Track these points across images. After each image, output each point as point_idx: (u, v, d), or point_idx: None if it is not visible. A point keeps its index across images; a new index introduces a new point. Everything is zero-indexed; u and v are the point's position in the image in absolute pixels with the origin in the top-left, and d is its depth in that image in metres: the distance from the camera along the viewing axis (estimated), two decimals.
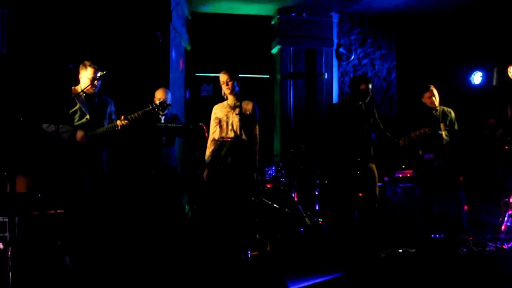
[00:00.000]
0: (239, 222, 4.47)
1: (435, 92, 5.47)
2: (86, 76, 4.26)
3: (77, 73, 4.32)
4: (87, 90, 4.26)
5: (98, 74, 4.22)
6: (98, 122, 4.31)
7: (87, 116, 4.27)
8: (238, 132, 4.53)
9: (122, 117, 4.24)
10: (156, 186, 4.97)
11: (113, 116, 4.47)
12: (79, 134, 4.18)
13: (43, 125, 4.18)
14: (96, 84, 4.28)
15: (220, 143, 4.60)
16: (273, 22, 7.54)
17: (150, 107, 4.29)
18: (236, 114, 4.50)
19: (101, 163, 4.36)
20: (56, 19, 5.59)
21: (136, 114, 4.25)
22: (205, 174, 4.69)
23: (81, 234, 4.13)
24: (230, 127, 4.57)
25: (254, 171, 4.60)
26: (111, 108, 4.48)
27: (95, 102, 4.36)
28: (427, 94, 5.49)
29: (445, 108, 5.57)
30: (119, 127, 4.22)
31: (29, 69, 5.35)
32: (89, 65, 4.25)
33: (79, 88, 4.33)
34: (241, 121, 4.49)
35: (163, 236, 4.75)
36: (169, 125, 4.92)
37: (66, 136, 4.14)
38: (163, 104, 4.32)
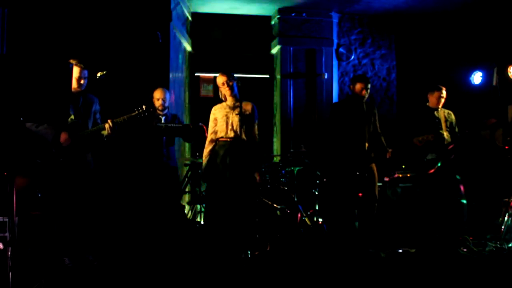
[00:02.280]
0: (239, 222, 4.47)
1: (445, 95, 5.47)
2: (73, 75, 4.17)
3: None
4: (74, 90, 4.21)
5: (98, 74, 4.21)
6: (83, 122, 4.25)
7: (72, 117, 4.21)
8: (238, 132, 4.54)
9: (109, 121, 4.16)
10: (156, 186, 4.97)
11: (97, 115, 4.41)
12: (63, 136, 4.11)
13: (26, 124, 4.11)
14: (82, 83, 4.22)
15: (220, 143, 4.61)
16: (273, 22, 7.54)
17: (136, 112, 4.18)
18: (236, 114, 4.51)
19: (86, 164, 4.26)
20: (56, 19, 5.59)
21: (121, 118, 4.16)
22: (203, 174, 4.68)
23: (79, 234, 4.12)
24: (230, 127, 4.57)
25: (255, 171, 4.61)
26: (95, 107, 4.40)
27: (80, 101, 4.28)
28: (436, 94, 5.46)
29: (446, 110, 5.57)
30: (106, 130, 4.14)
31: (29, 69, 5.36)
32: (75, 64, 4.16)
33: None
34: (241, 121, 4.50)
35: (163, 236, 4.75)
36: (169, 125, 4.92)
37: (50, 137, 4.09)
38: (149, 109, 4.20)
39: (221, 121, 4.61)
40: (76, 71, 4.19)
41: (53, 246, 3.83)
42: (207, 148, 4.69)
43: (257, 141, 4.69)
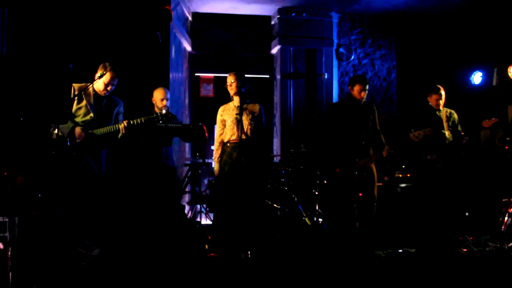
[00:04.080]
0: (248, 222, 4.48)
1: (443, 94, 5.44)
2: (102, 79, 4.25)
3: (94, 71, 4.30)
4: (99, 92, 4.30)
5: (98, 74, 4.21)
6: (102, 122, 4.29)
7: (91, 114, 4.27)
8: (249, 134, 4.57)
9: (125, 122, 4.20)
10: (154, 186, 4.96)
11: (120, 117, 4.45)
12: (77, 130, 4.18)
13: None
14: (109, 89, 4.30)
15: (232, 144, 4.61)
16: (273, 22, 7.54)
17: (154, 115, 4.23)
18: (252, 117, 4.57)
19: (99, 162, 4.33)
20: (56, 19, 5.59)
21: (139, 120, 4.20)
22: (217, 174, 4.68)
23: (80, 231, 4.12)
24: (242, 129, 4.55)
25: (265, 171, 4.66)
26: (119, 109, 4.46)
27: (103, 102, 4.36)
28: (435, 96, 5.44)
29: (448, 109, 5.56)
30: (122, 130, 4.18)
31: (29, 69, 5.36)
32: (109, 70, 4.22)
33: (91, 85, 4.31)
34: (251, 123, 4.57)
35: (163, 236, 4.75)
36: (169, 125, 4.91)
37: (66, 131, 4.15)
38: (167, 115, 4.26)
39: (231, 123, 4.61)
40: (107, 76, 4.23)
41: (53, 245, 3.82)
42: (218, 150, 4.70)
43: (266, 142, 4.75)
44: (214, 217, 5.15)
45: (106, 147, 4.39)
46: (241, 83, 4.61)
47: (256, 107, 4.69)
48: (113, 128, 4.24)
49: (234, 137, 4.58)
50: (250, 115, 4.59)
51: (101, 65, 4.29)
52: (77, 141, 4.18)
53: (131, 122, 4.19)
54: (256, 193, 4.59)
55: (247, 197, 4.49)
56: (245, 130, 4.57)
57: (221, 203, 4.66)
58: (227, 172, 4.56)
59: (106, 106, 4.38)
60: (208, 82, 7.63)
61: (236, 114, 4.57)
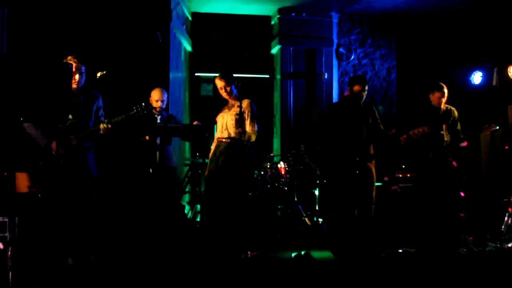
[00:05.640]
0: (235, 221, 4.53)
1: (446, 93, 5.43)
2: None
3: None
4: (72, 88, 4.08)
5: (98, 74, 4.18)
6: (83, 123, 4.12)
7: (70, 116, 4.09)
8: (231, 132, 4.66)
9: (106, 121, 4.08)
10: (154, 186, 4.95)
11: (101, 112, 4.28)
12: (54, 146, 3.96)
13: (24, 124, 4.03)
14: (77, 79, 4.08)
15: (217, 143, 4.80)
16: (273, 22, 7.54)
17: (135, 110, 4.07)
18: (235, 114, 4.58)
19: (86, 165, 4.13)
20: (56, 19, 5.59)
21: (119, 118, 4.07)
22: (205, 174, 4.88)
23: (82, 234, 4.11)
24: (224, 127, 4.73)
25: (251, 169, 4.71)
26: (98, 104, 4.26)
27: (80, 100, 4.15)
28: (438, 94, 5.43)
29: (448, 107, 5.54)
30: (102, 131, 4.03)
31: (29, 69, 5.36)
32: (70, 60, 4.04)
33: None
34: (236, 120, 4.58)
35: (163, 236, 4.75)
36: (169, 124, 4.91)
37: (43, 143, 3.98)
38: (148, 107, 4.12)
39: (218, 122, 4.80)
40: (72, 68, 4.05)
41: (53, 246, 3.82)
42: (211, 149, 4.89)
43: (256, 138, 4.75)
44: (205, 216, 5.23)
45: (90, 149, 4.21)
46: (231, 86, 4.72)
47: (245, 103, 4.69)
48: (95, 130, 4.07)
49: (219, 135, 4.79)
50: (236, 112, 4.55)
51: (63, 61, 4.09)
52: (61, 152, 3.98)
53: (112, 121, 4.05)
54: (239, 191, 4.62)
55: (230, 195, 4.59)
56: (228, 128, 4.70)
57: (207, 201, 4.83)
58: (212, 171, 4.73)
59: (84, 104, 4.16)
60: (208, 82, 7.64)
61: (224, 112, 4.76)
